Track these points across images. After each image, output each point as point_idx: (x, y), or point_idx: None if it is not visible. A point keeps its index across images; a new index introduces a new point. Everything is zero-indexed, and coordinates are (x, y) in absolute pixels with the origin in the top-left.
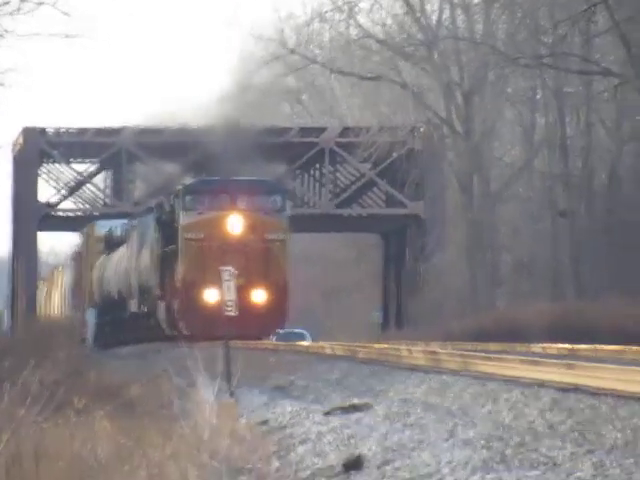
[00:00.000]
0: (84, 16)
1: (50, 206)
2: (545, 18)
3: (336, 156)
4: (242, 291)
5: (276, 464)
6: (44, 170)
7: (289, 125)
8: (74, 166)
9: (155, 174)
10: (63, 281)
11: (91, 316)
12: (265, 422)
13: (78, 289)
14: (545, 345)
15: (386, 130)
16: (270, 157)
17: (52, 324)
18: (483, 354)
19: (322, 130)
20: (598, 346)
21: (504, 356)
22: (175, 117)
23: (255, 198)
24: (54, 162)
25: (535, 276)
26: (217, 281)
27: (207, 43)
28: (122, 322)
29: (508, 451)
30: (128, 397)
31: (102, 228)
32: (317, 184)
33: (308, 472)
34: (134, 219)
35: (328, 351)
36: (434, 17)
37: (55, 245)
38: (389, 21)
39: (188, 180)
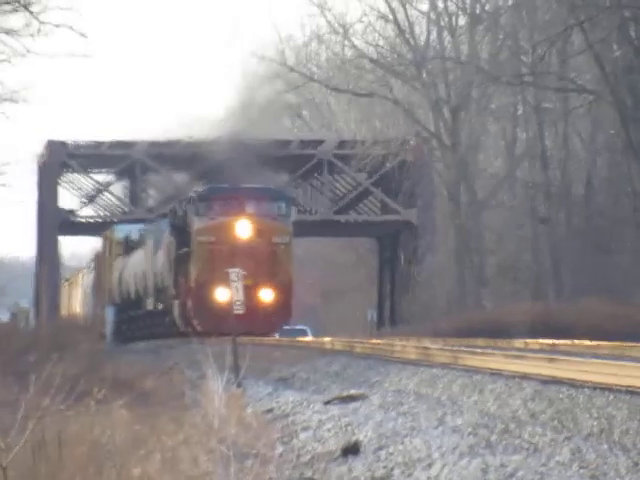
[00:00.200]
0: (100, 37)
1: (71, 213)
2: (525, 39)
3: (334, 167)
4: (250, 290)
5: (280, 449)
6: (65, 180)
7: (290, 138)
8: (93, 176)
9: (167, 183)
10: (84, 281)
11: (110, 314)
12: (269, 411)
13: (98, 289)
14: (527, 341)
15: (380, 143)
16: (273, 168)
17: (73, 322)
18: (470, 349)
19: (321, 143)
20: (576, 342)
21: (489, 351)
22: (185, 131)
23: (262, 204)
24: (75, 172)
25: (518, 278)
26: (227, 281)
27: (214, 62)
28: (139, 319)
29: (493, 437)
30: (143, 388)
31: (120, 232)
32: (317, 193)
33: (309, 457)
34: (150, 224)
35: (328, 346)
36: (422, 39)
37: (75, 249)
38: (381, 42)
39: (200, 188)
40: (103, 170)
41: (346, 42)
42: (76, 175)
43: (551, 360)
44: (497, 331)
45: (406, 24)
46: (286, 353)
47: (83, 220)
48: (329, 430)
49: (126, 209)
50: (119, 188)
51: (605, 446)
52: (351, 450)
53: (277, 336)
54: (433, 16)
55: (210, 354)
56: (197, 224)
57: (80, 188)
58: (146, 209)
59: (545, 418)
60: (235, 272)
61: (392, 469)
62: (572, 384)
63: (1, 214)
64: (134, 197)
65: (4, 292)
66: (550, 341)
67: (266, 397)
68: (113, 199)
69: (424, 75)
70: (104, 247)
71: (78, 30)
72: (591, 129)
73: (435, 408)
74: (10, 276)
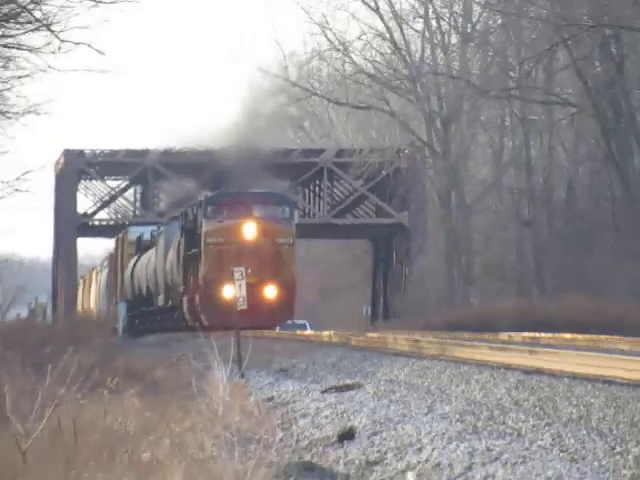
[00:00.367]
0: (116, 53)
1: (87, 216)
2: (513, 56)
3: (333, 174)
4: (256, 287)
5: (280, 435)
6: (82, 186)
7: (293, 147)
8: (108, 182)
9: (177, 189)
10: (99, 279)
11: (122, 309)
12: (270, 399)
13: (112, 286)
14: (511, 334)
15: (376, 151)
16: (276, 175)
17: (88, 317)
18: (458, 342)
19: (321, 151)
20: (557, 335)
21: (476, 343)
22: (194, 140)
23: (267, 208)
24: (90, 179)
25: (503, 277)
26: (233, 279)
27: (222, 77)
28: (149, 314)
29: (479, 424)
30: (153, 378)
31: (134, 234)
32: (317, 198)
33: (308, 442)
34: (162, 226)
35: (325, 339)
36: (417, 55)
37: (90, 249)
38: (379, 59)
39: (209, 193)
40: (118, 177)
41: (346, 58)
42: (92, 181)
43: (533, 352)
44: (483, 325)
45: (402, 42)
46: (286, 346)
47: (98, 223)
48: (326, 417)
49: (138, 213)
50: (132, 194)
51: (584, 432)
52: (347, 436)
53: (278, 329)
54: (427, 35)
55: (215, 347)
56: (206, 226)
57: (95, 194)
58: (157, 213)
59: (527, 406)
60: (239, 271)
61: (385, 453)
62: (552, 374)
63: (23, 218)
64: (146, 202)
65: (24, 289)
66: (532, 334)
67: (267, 386)
68: (126, 204)
69: (418, 89)
70: (118, 247)
71: (96, 47)
72: (574, 139)
73: (425, 397)
74: (30, 275)
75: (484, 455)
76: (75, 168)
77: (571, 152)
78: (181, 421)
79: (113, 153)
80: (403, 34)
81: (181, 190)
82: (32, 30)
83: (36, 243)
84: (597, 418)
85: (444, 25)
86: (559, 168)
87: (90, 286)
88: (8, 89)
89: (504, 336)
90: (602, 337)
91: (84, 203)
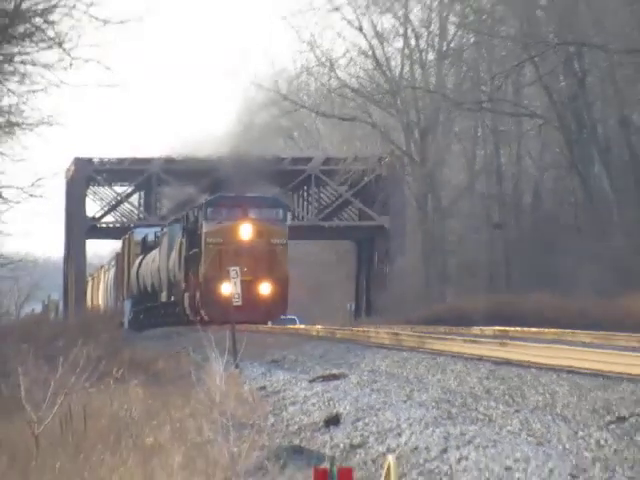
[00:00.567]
0: (123, 68)
1: (95, 219)
2: (485, 72)
3: (320, 180)
4: (251, 285)
5: (271, 420)
6: (90, 191)
7: (283, 156)
8: (114, 188)
9: (178, 194)
10: (107, 277)
11: (128, 305)
12: (263, 388)
13: (119, 283)
14: (483, 328)
15: (359, 160)
16: (268, 181)
17: (96, 312)
18: (435, 335)
19: (309, 160)
20: (524, 328)
21: (451, 336)
22: (194, 149)
23: (262, 211)
24: (98, 185)
25: (476, 275)
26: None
27: (219, 91)
28: (153, 310)
29: (454, 410)
30: (156, 369)
31: (139, 235)
32: (305, 202)
33: (296, 427)
34: (165, 227)
35: (313, 333)
36: (397, 71)
37: (98, 250)
38: (362, 74)
39: (209, 197)
40: (123, 183)
41: (332, 74)
42: (100, 187)
43: (503, 344)
44: (457, 320)
45: (383, 59)
46: (278, 339)
47: (105, 226)
48: (314, 404)
49: (142, 216)
50: (137, 198)
51: (549, 417)
52: (332, 421)
53: (270, 324)
54: (406, 52)
55: (212, 340)
56: (206, 227)
57: (103, 199)
58: (159, 216)
59: (498, 394)
60: (234, 270)
61: (367, 437)
62: (521, 365)
63: (37, 221)
64: (149, 206)
65: (38, 287)
66: (502, 328)
67: (260, 376)
68: (131, 208)
69: (398, 102)
70: (124, 248)
71: (104, 63)
72: (540, 149)
73: (404, 385)
74: (44, 273)
75: (458, 439)
76: (84, 175)
77: (537, 160)
78: (181, 408)
79: (119, 161)
80: (384, 52)
81: (181, 195)
82: (46, 48)
83: (49, 244)
84: (561, 405)
85: (422, 43)
86: (526, 175)
87: (99, 284)
88: (24, 102)
89: (476, 330)
90: (566, 331)
91: (92, 207)
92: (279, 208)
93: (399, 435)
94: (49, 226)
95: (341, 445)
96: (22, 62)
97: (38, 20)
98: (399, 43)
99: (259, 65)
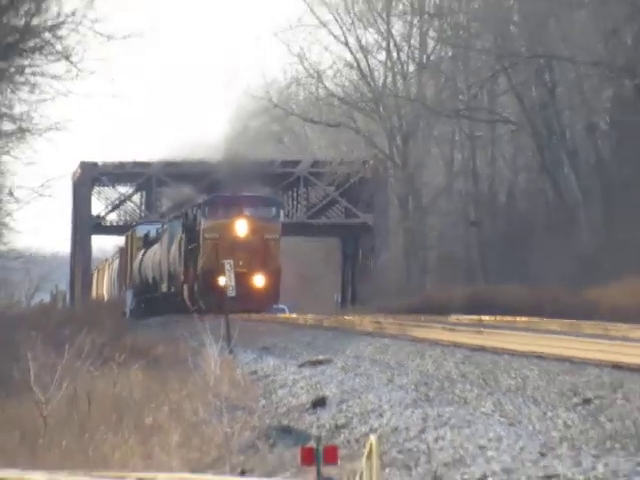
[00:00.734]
0: (125, 78)
1: (100, 218)
2: (461, 82)
3: (309, 181)
4: (246, 277)
5: (262, 402)
6: (95, 191)
7: (274, 159)
8: (117, 189)
9: (176, 194)
10: (111, 270)
11: (129, 295)
12: (254, 372)
13: (122, 275)
14: (460, 317)
15: (345, 163)
16: (260, 182)
17: (101, 302)
18: (415, 323)
19: (298, 163)
20: (498, 317)
21: (430, 324)
22: (191, 153)
23: (257, 208)
24: (103, 186)
25: (453, 268)
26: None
27: (215, 99)
28: (154, 299)
29: (431, 393)
30: (155, 354)
31: (141, 231)
32: (295, 202)
33: (286, 408)
34: (166, 224)
35: (302, 321)
36: (380, 81)
37: (102, 245)
38: (347, 84)
39: (206, 196)
40: (126, 184)
41: (319, 84)
42: (104, 188)
43: (478, 332)
44: (436, 309)
45: (367, 70)
46: (269, 327)
47: (109, 223)
48: (302, 387)
49: (143, 215)
50: (138, 198)
51: (520, 400)
52: (319, 403)
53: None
54: (389, 64)
55: (208, 328)
56: (204, 224)
57: (107, 198)
58: (159, 215)
59: (473, 377)
60: (229, 263)
61: (352, 418)
62: (494, 351)
63: (46, 219)
64: (150, 205)
65: (47, 279)
66: (478, 317)
67: (252, 362)
68: (133, 207)
69: (381, 110)
70: (127, 243)
71: (108, 75)
72: (513, 152)
73: (386, 370)
74: (52, 266)
75: (435, 420)
76: (90, 177)
77: (511, 163)
78: (179, 391)
79: (122, 164)
80: (368, 63)
81: (179, 195)
82: (54, 61)
83: (57, 240)
84: (532, 388)
85: (403, 56)
86: (501, 176)
87: (103, 276)
88: (34, 110)
89: (453, 318)
90: (537, 319)
91: (97, 206)
92: (272, 206)
93: (381, 416)
94: (57, 223)
95: (327, 425)
96: (32, 73)
97: (47, 35)
98: (382, 56)
99: (252, 76)
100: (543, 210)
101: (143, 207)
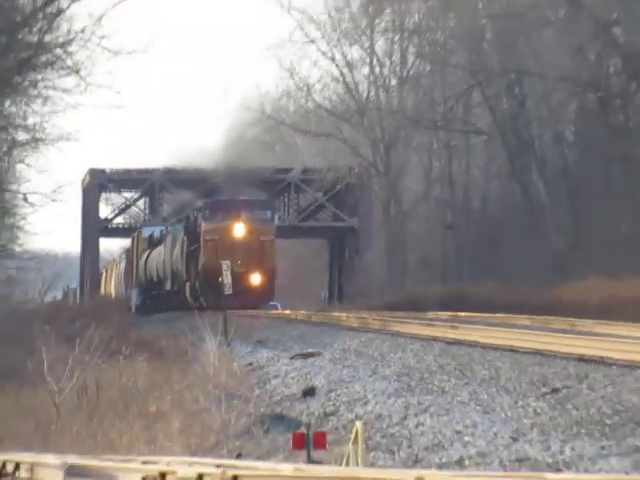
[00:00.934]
0: (131, 92)
1: (107, 221)
2: (439, 95)
3: (299, 188)
4: (244, 275)
5: (257, 392)
6: (103, 197)
7: (267, 166)
8: (123, 194)
9: (177, 199)
10: (118, 269)
11: (135, 293)
12: (250, 364)
13: (128, 275)
14: (437, 313)
15: (332, 170)
16: (254, 188)
17: (109, 299)
18: (396, 319)
19: (289, 170)
20: (473, 313)
21: (410, 320)
22: (190, 161)
23: (253, 212)
24: (110, 191)
25: (431, 268)
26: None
27: (212, 111)
28: (158, 297)
29: (412, 383)
30: (159, 348)
31: (146, 232)
32: (286, 206)
33: (278, 397)
34: (169, 226)
35: (293, 317)
36: (364, 94)
37: (109, 246)
38: (334, 97)
39: (207, 200)
40: (131, 190)
41: (308, 97)
42: (111, 193)
43: (454, 327)
44: (416, 306)
45: (352, 84)
46: (263, 322)
47: (115, 226)
48: (293, 378)
49: (147, 218)
50: (142, 203)
51: (494, 389)
52: (309, 393)
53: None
54: (372, 78)
55: (207, 323)
56: (205, 226)
57: (113, 203)
58: (161, 218)
59: (450, 369)
60: (226, 263)
61: (339, 406)
62: (470, 344)
63: (57, 222)
64: (153, 209)
65: (59, 278)
66: (454, 313)
67: (247, 354)
68: (137, 211)
69: (365, 121)
70: (133, 244)
71: (115, 89)
72: (486, 160)
73: (370, 362)
74: (63, 266)
75: (416, 407)
76: (98, 183)
77: (484, 170)
78: (180, 381)
79: (127, 171)
80: (353, 78)
81: (180, 200)
82: (65, 75)
83: (68, 242)
84: (504, 379)
85: (385, 71)
86: (475, 183)
87: (111, 275)
88: (46, 121)
89: (432, 314)
90: (508, 315)
91: (105, 210)
92: (268, 210)
93: (366, 404)
94: (68, 226)
95: (316, 413)
96: (45, 87)
97: (58, 51)
98: (366, 70)
99: (247, 88)
100: (514, 214)
101: (147, 211)
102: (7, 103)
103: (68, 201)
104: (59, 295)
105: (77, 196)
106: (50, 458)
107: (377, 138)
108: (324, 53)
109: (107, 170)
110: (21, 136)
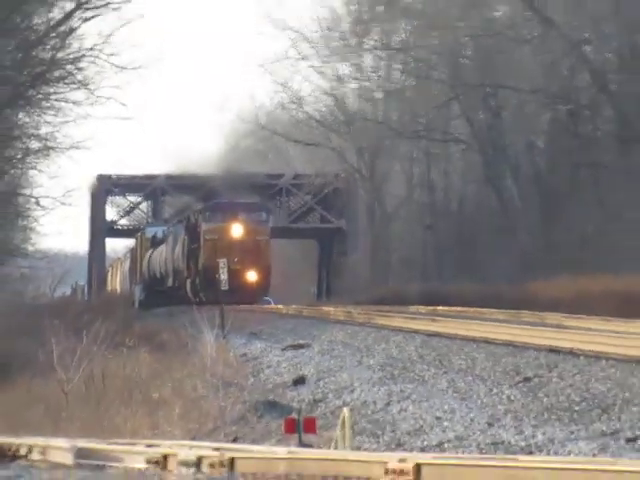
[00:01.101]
0: (136, 103)
1: (113, 222)
2: (421, 107)
3: (290, 192)
4: (241, 273)
5: (251, 380)
6: (109, 200)
7: (261, 172)
8: (128, 198)
9: (178, 203)
10: (123, 267)
11: (138, 289)
12: (244, 355)
13: (132, 272)
14: (418, 307)
15: (321, 176)
16: (249, 192)
17: (114, 295)
18: (380, 313)
19: (281, 176)
20: (451, 308)
21: (393, 314)
22: (191, 167)
23: (250, 213)
24: (115, 195)
25: (412, 266)
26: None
27: (210, 122)
28: (160, 293)
29: (395, 372)
30: (160, 340)
31: (150, 232)
32: (278, 209)
33: (271, 385)
34: (171, 227)
35: (285, 311)
36: (352, 107)
37: (115, 246)
38: (324, 109)
39: (207, 203)
40: (135, 194)
41: (300, 109)
42: (117, 197)
43: (434, 320)
44: (398, 301)
45: (341, 97)
46: (256, 316)
47: (121, 227)
48: (285, 367)
49: (149, 220)
50: (145, 206)
51: (470, 378)
52: (299, 381)
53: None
54: (359, 92)
55: (205, 317)
56: (205, 227)
57: (119, 206)
58: (163, 220)
59: (430, 359)
60: (222, 261)
61: (327, 394)
62: (448, 336)
63: (67, 223)
64: (155, 212)
65: (68, 275)
66: (433, 307)
67: (242, 345)
68: (141, 213)
69: (352, 131)
70: (137, 243)
71: (121, 101)
72: (464, 167)
73: (356, 353)
74: (72, 264)
75: (399, 395)
76: (105, 188)
77: (462, 176)
78: (180, 370)
79: (132, 177)
80: (342, 91)
81: (180, 203)
82: (75, 88)
83: (76, 241)
84: (480, 368)
85: (371, 85)
86: (453, 188)
87: (116, 272)
88: (57, 131)
89: (413, 309)
90: (484, 309)
91: (111, 213)
92: (263, 211)
93: (352, 392)
94: (77, 227)
95: (306, 400)
96: (56, 99)
97: (70, 67)
98: (353, 85)
99: (243, 100)
100: (489, 216)
101: (150, 213)
102: (21, 114)
103: (77, 204)
104: (68, 291)
105: (85, 200)
106: (60, 442)
107: (363, 147)
108: (315, 68)
109: (113, 176)
110: (34, 144)
